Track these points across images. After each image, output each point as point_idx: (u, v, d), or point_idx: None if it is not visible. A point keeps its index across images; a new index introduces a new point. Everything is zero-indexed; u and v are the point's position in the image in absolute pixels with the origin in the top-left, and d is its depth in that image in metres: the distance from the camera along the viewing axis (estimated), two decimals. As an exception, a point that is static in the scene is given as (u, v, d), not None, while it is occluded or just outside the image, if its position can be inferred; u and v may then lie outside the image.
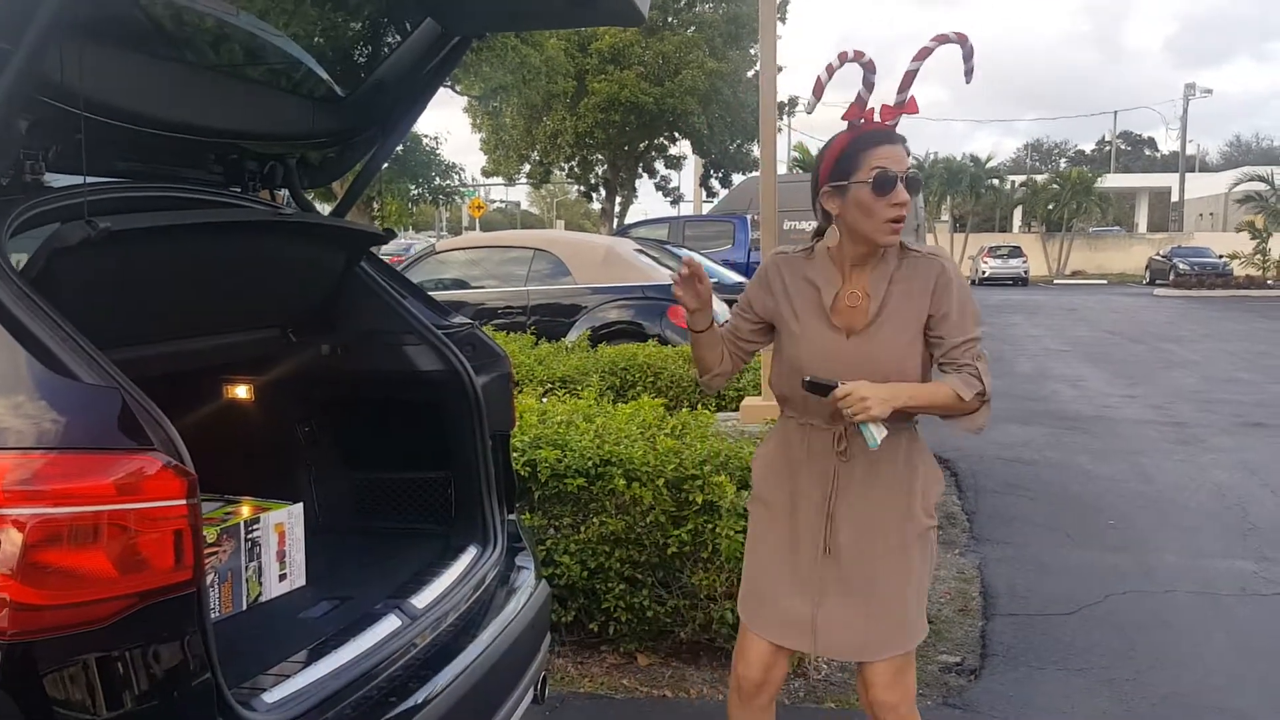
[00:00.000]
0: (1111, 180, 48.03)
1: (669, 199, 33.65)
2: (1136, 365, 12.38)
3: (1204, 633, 3.89)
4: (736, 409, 5.51)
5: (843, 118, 2.12)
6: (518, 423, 3.34)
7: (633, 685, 3.32)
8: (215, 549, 2.14)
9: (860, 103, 2.10)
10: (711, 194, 29.15)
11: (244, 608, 2.21)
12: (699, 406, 5.17)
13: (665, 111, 26.19)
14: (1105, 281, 38.19)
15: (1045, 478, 6.42)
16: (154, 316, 2.22)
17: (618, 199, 30.78)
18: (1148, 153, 78.83)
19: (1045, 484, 6.25)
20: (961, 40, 2.07)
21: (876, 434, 2.01)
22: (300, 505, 2.41)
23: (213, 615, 1.65)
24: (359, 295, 2.59)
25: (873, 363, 2.08)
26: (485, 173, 31.25)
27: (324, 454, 2.74)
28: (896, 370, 2.08)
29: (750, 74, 26.43)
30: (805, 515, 2.17)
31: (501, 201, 66.54)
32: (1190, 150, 53.91)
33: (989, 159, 42.95)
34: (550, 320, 8.28)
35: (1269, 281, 29.95)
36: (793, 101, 29.76)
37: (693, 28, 27.60)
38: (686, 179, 33.98)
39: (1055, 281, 39.06)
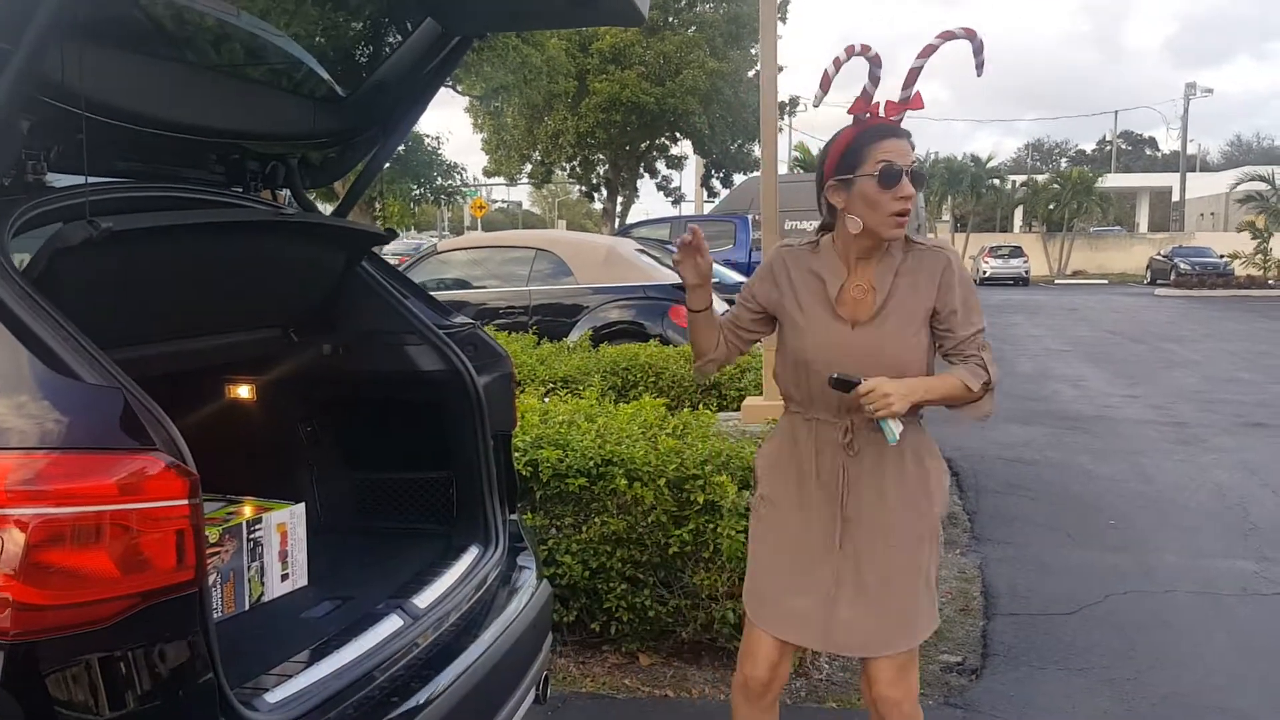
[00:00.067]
0: (1112, 180, 48.01)
1: (670, 199, 33.68)
2: (1137, 365, 12.37)
3: (1205, 633, 3.89)
4: (738, 409, 5.51)
5: (848, 111, 2.13)
6: (519, 422, 3.34)
7: (634, 685, 3.32)
8: (217, 549, 2.14)
9: (866, 97, 2.11)
10: (713, 194, 29.15)
11: (246, 608, 2.21)
12: (700, 406, 5.17)
13: (666, 111, 26.20)
14: (1106, 281, 38.17)
15: (1046, 478, 6.41)
16: (156, 316, 2.22)
17: (619, 199, 30.78)
18: (1148, 152, 78.82)
19: (1046, 484, 6.25)
20: (970, 35, 2.09)
21: (895, 429, 2.04)
22: (302, 505, 2.41)
23: (215, 615, 1.65)
24: (360, 295, 2.59)
25: (878, 353, 2.10)
26: (487, 173, 31.28)
27: (326, 454, 2.74)
28: (901, 360, 2.10)
29: (751, 74, 26.43)
30: (815, 512, 2.17)
31: (503, 201, 66.66)
32: (1191, 150, 53.93)
33: (990, 159, 42.96)
34: (552, 320, 8.28)
35: (1270, 281, 29.92)
36: (794, 101, 29.82)
37: (694, 27, 27.60)
38: (688, 179, 33.99)
39: (1056, 281, 39.04)
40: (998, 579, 4.47)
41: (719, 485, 3.24)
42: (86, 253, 1.70)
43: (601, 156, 29.71)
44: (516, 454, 3.14)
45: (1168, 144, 70.38)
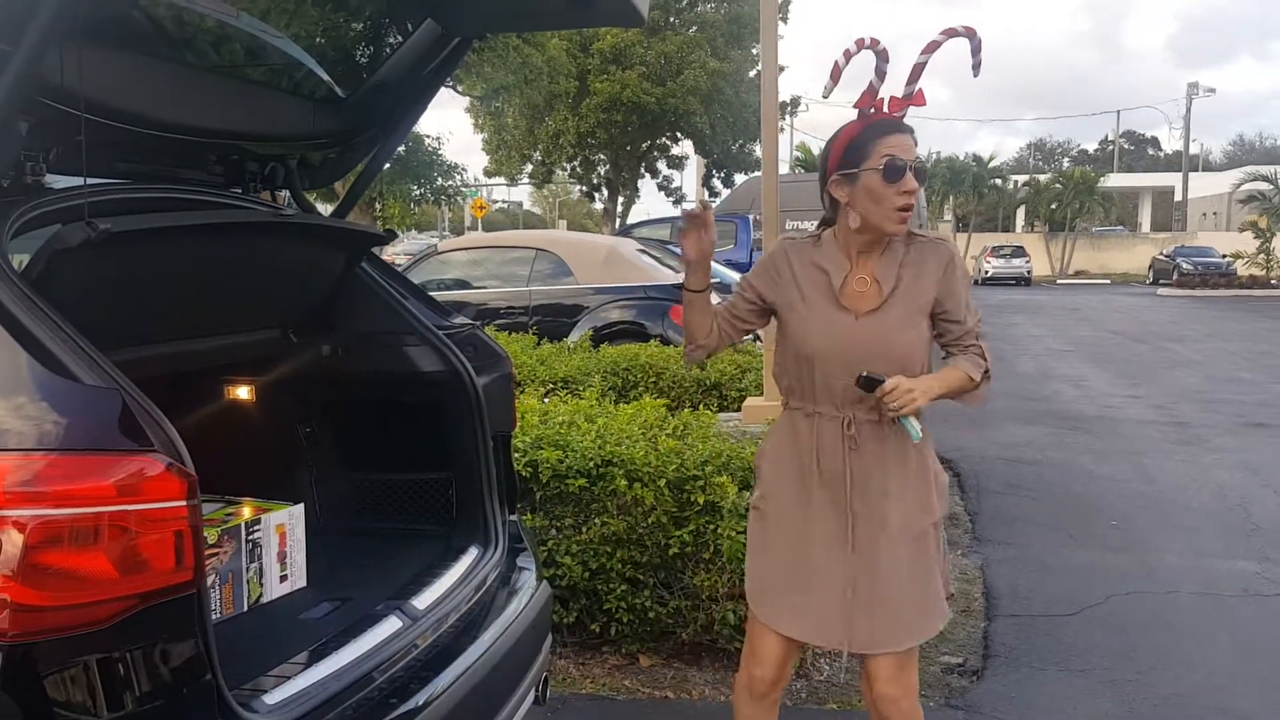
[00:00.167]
0: (1114, 180, 47.94)
1: (671, 199, 33.68)
2: (1139, 365, 12.37)
3: (1206, 633, 3.88)
4: (738, 409, 5.51)
5: (854, 105, 2.14)
6: (519, 423, 3.34)
7: (634, 686, 3.32)
8: (216, 550, 2.14)
9: (871, 91, 2.12)
10: (714, 194, 29.14)
11: (245, 609, 2.21)
12: (701, 407, 5.17)
13: (667, 111, 26.21)
14: (1108, 281, 38.15)
15: (1047, 478, 6.41)
16: (155, 317, 2.22)
17: (620, 199, 30.79)
18: (1151, 152, 78.79)
19: (1047, 484, 6.25)
20: (970, 34, 2.10)
21: (917, 426, 2.08)
22: (301, 506, 2.41)
23: (213, 616, 1.65)
24: (360, 296, 2.59)
25: (881, 343, 2.11)
26: (487, 173, 31.31)
27: (325, 455, 2.74)
28: (905, 350, 2.11)
29: (752, 74, 26.44)
30: (817, 509, 2.17)
31: (504, 202, 66.68)
32: (1193, 150, 53.93)
33: (992, 159, 42.94)
34: (552, 320, 8.28)
35: (1272, 281, 29.90)
36: (794, 101, 29.83)
37: (695, 28, 27.62)
38: (689, 179, 34.00)
39: (1058, 281, 39.02)
40: (999, 580, 4.47)
41: (719, 486, 3.23)
42: (85, 254, 1.70)
43: (602, 156, 29.72)
44: (516, 455, 3.13)
45: (1170, 144, 70.44)
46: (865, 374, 2.06)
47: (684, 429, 3.65)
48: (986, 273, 36.26)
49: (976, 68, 2.14)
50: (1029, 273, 36.61)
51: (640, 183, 31.66)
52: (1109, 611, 4.09)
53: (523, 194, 71.33)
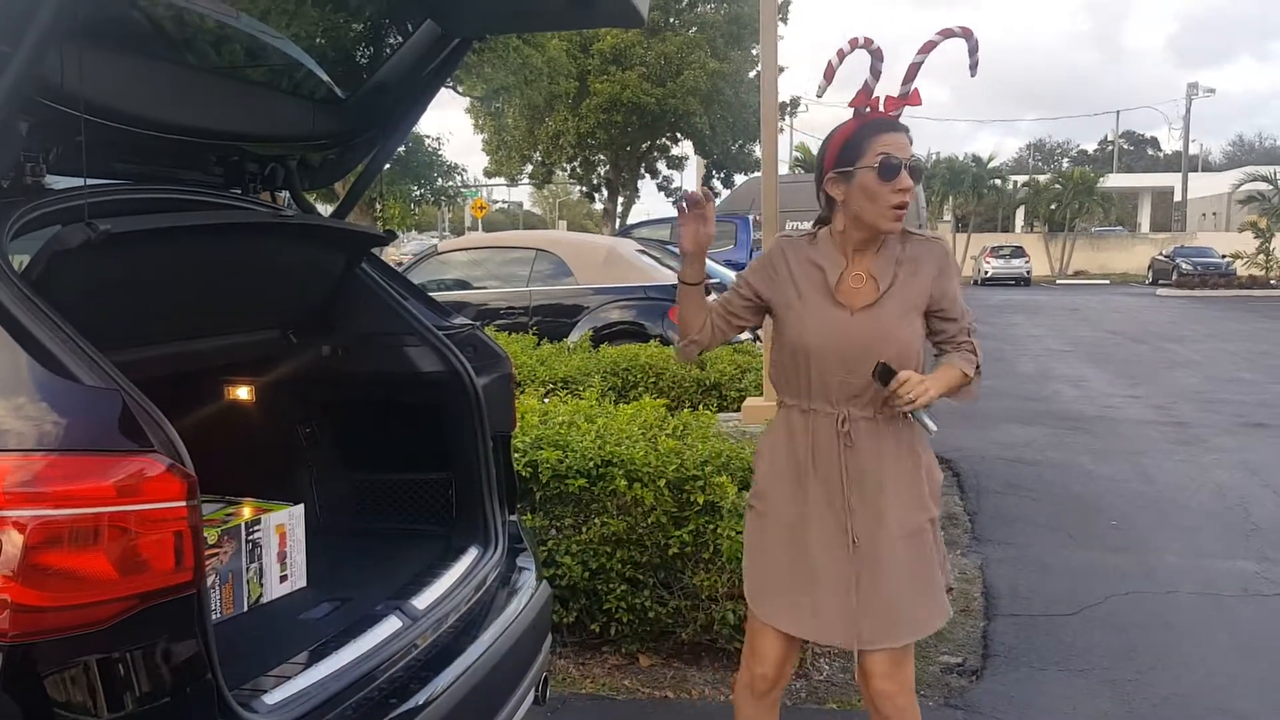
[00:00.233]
0: (1114, 180, 47.96)
1: (671, 199, 33.66)
2: (1139, 365, 12.37)
3: (1206, 633, 3.88)
4: (738, 409, 5.51)
5: (849, 104, 2.16)
6: (519, 423, 3.34)
7: (634, 686, 3.32)
8: (216, 550, 2.14)
9: (867, 90, 2.14)
10: (714, 194, 29.10)
11: (245, 609, 2.21)
12: (700, 407, 5.17)
13: (667, 112, 26.21)
14: (1108, 281, 38.15)
15: (1047, 478, 6.41)
16: (155, 318, 2.22)
17: (620, 199, 30.79)
18: (1150, 152, 78.80)
19: (1047, 484, 6.25)
20: (967, 34, 2.12)
21: (929, 419, 2.10)
22: (301, 506, 2.41)
23: (213, 617, 1.65)
24: (359, 296, 2.59)
25: (876, 338, 2.12)
26: (488, 173, 31.31)
27: (325, 455, 2.74)
28: (900, 345, 2.13)
29: (752, 74, 26.44)
30: (814, 506, 2.18)
31: (504, 202, 66.72)
32: (1193, 150, 53.94)
33: (991, 159, 42.90)
34: (552, 321, 8.29)
35: (1272, 281, 29.91)
36: (794, 102, 29.82)
37: (694, 28, 27.61)
38: (689, 179, 33.98)
39: (1058, 281, 39.01)
40: (999, 580, 4.47)
41: (719, 486, 3.24)
42: (85, 255, 1.70)
43: (602, 157, 29.72)
44: (516, 455, 3.14)
45: (1169, 144, 70.45)
46: (882, 363, 2.07)
47: (684, 429, 3.65)
48: (986, 273, 36.24)
49: (974, 68, 2.16)
50: (1028, 273, 36.60)
51: (640, 183, 31.69)
52: (1108, 611, 4.09)
53: (523, 194, 71.44)
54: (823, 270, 2.19)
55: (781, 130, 23.64)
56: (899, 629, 2.17)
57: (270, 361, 2.63)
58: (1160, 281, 33.06)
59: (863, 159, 2.08)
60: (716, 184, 29.45)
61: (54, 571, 1.35)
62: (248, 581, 2.23)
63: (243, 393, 2.73)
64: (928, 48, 2.14)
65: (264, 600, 2.27)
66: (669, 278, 8.28)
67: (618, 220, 29.38)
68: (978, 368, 2.22)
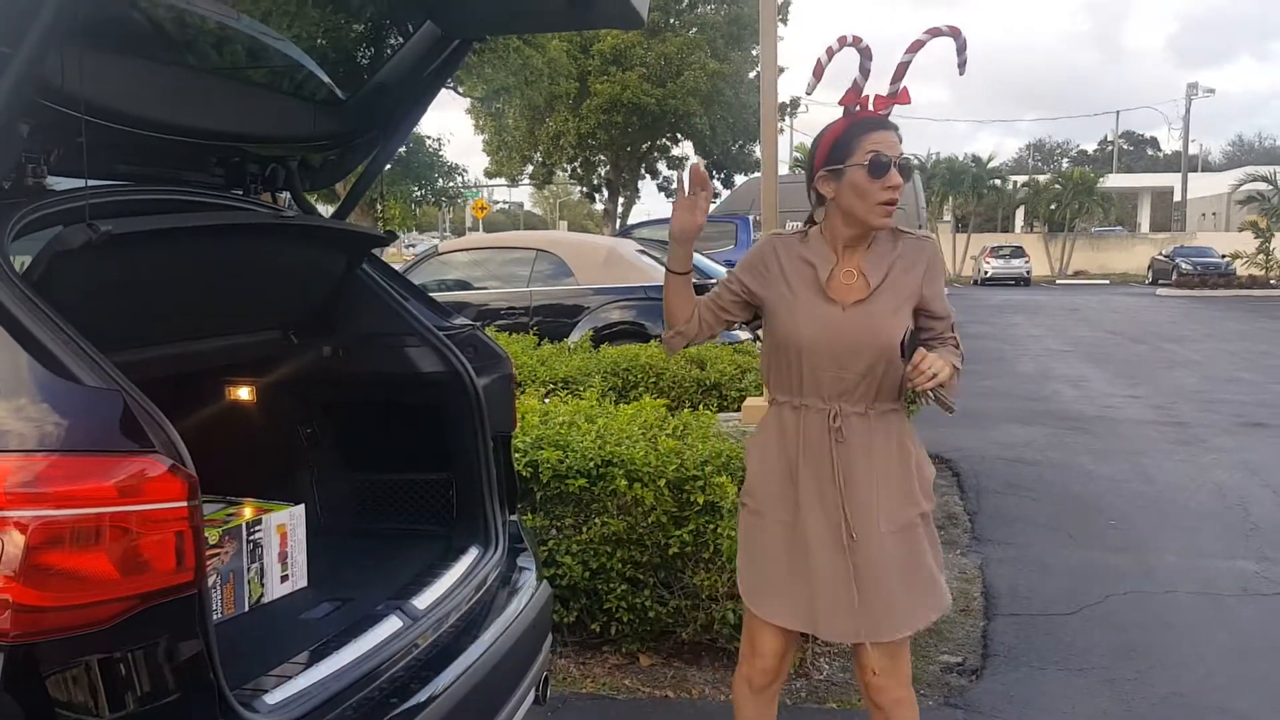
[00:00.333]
0: (1114, 180, 47.98)
1: (671, 200, 33.60)
2: (1138, 365, 12.37)
3: (1205, 633, 3.89)
4: (738, 409, 5.51)
5: (839, 103, 2.18)
6: (519, 423, 3.34)
7: (634, 686, 3.33)
8: (217, 550, 2.15)
9: (856, 89, 2.16)
10: (714, 194, 29.16)
11: (246, 609, 2.22)
12: (700, 407, 5.17)
13: (667, 112, 26.22)
14: (1108, 281, 38.15)
15: (1047, 478, 6.42)
16: (156, 319, 2.22)
17: (620, 200, 30.79)
18: (1150, 152, 78.80)
19: (1047, 484, 6.25)
20: (954, 33, 2.13)
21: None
22: (302, 507, 2.42)
23: (214, 617, 1.66)
24: (360, 297, 2.60)
25: (867, 333, 2.14)
26: (488, 174, 31.32)
27: (326, 455, 2.75)
28: (890, 341, 2.13)
29: (752, 75, 26.46)
30: (808, 504, 2.18)
31: (504, 203, 66.72)
32: (1193, 150, 53.94)
33: (991, 159, 42.92)
34: (553, 321, 8.28)
35: (1271, 281, 29.91)
36: (794, 102, 29.79)
37: (694, 29, 27.63)
38: (688, 180, 33.95)
39: (1058, 281, 39.02)
40: (998, 579, 4.47)
41: (719, 486, 3.24)
42: (86, 256, 1.71)
43: (603, 157, 29.73)
44: (516, 455, 3.14)
45: (1169, 144, 70.41)
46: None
47: (684, 429, 3.66)
48: (986, 273, 36.24)
49: (962, 66, 2.18)
50: (1028, 273, 36.60)
51: (640, 184, 31.70)
52: (1108, 611, 4.09)
53: (523, 195, 71.37)
54: (814, 267, 2.20)
55: (781, 131, 23.64)
56: (894, 623, 2.17)
57: (271, 362, 2.63)
58: (1160, 281, 33.06)
59: (853, 157, 2.11)
60: (716, 184, 29.46)
61: (55, 572, 1.35)
62: (249, 581, 2.23)
63: (244, 393, 2.73)
64: (915, 47, 2.17)
65: (265, 600, 2.28)
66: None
67: (618, 220, 29.38)
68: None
